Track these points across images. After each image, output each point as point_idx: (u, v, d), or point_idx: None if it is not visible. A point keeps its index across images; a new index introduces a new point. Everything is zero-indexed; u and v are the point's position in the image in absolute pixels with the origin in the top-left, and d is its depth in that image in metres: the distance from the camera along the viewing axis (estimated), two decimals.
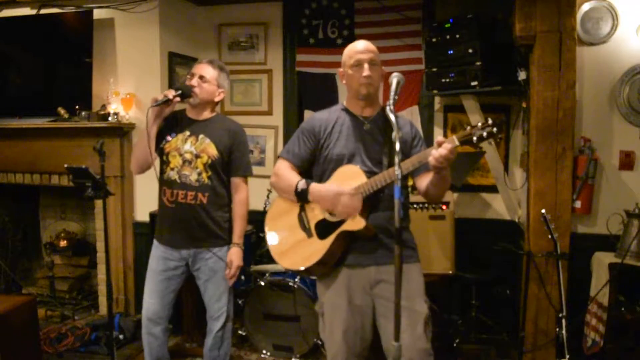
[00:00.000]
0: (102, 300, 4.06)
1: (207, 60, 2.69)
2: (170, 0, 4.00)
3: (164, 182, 2.63)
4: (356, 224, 2.02)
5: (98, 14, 3.92)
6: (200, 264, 2.65)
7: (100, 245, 4.05)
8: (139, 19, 3.86)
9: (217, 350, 2.73)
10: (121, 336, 3.56)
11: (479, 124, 1.80)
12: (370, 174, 2.05)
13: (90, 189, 2.57)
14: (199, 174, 2.58)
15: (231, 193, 2.69)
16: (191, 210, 2.58)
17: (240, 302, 3.58)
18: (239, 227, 2.67)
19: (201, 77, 2.60)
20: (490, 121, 1.79)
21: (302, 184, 2.13)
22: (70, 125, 3.86)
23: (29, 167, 4.14)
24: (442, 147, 1.82)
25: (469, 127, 1.84)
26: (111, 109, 3.84)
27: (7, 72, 4.16)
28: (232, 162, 2.65)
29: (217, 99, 2.68)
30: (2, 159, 4.16)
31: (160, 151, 2.65)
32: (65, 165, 2.63)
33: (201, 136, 2.60)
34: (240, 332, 3.57)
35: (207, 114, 2.67)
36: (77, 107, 3.88)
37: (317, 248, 2.09)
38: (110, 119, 3.79)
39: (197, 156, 2.58)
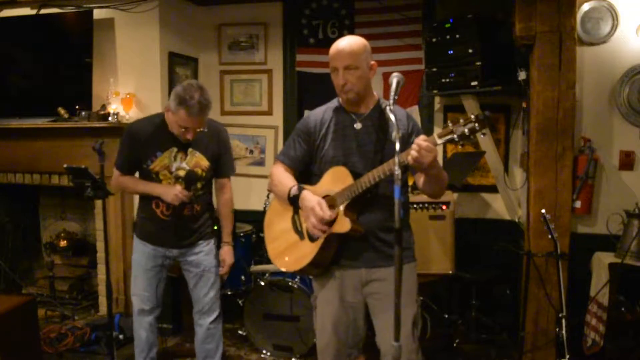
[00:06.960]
0: (102, 300, 4.05)
1: (199, 111, 2.40)
2: (170, 0, 4.00)
3: (157, 197, 2.60)
4: (342, 226, 2.02)
5: (98, 14, 3.92)
6: (190, 259, 2.71)
7: (100, 245, 4.05)
8: (139, 19, 3.85)
9: (211, 343, 2.77)
10: (121, 336, 3.55)
11: (461, 120, 1.76)
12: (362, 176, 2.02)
13: (90, 189, 2.58)
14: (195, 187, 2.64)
15: (213, 191, 2.78)
16: (187, 220, 2.65)
17: (240, 302, 3.58)
18: (228, 227, 2.77)
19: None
20: (472, 116, 1.74)
21: (294, 190, 2.12)
22: (70, 125, 3.85)
23: (29, 167, 4.14)
24: (415, 143, 1.79)
25: (450, 124, 1.79)
26: (111, 109, 3.83)
27: (7, 72, 4.16)
28: (220, 165, 2.71)
29: None
30: (2, 159, 4.16)
31: (146, 170, 2.61)
32: (65, 165, 2.63)
33: (190, 150, 2.61)
34: (240, 332, 3.57)
35: None
36: (77, 107, 3.88)
37: (308, 250, 2.11)
38: (110, 119, 3.78)
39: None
